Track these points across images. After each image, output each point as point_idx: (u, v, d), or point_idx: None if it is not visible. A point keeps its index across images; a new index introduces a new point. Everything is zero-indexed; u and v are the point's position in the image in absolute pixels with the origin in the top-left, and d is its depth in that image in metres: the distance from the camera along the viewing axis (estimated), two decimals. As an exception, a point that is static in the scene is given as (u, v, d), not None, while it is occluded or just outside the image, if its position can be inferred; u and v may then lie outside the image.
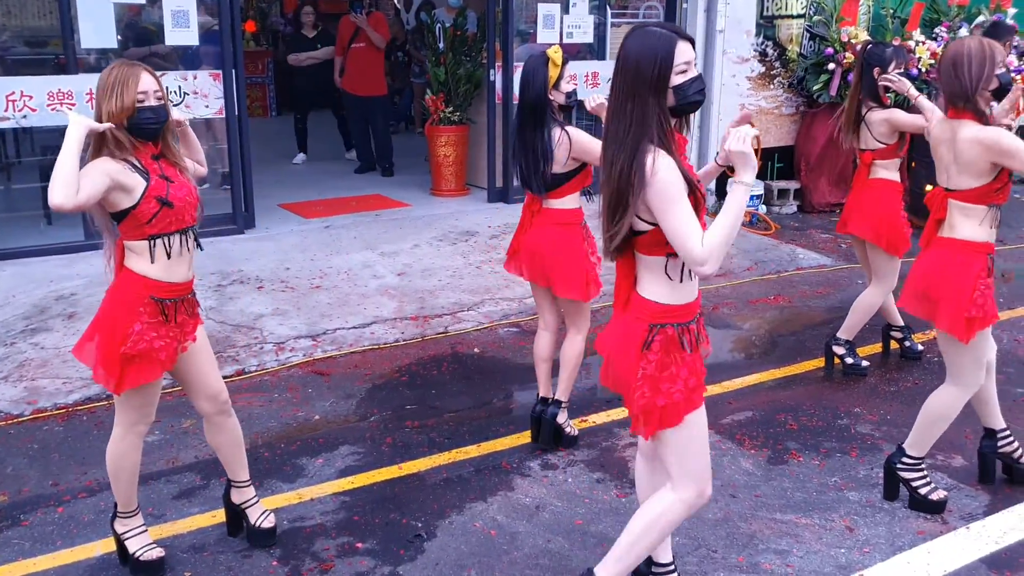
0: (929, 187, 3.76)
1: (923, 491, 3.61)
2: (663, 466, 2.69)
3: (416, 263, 6.54)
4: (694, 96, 2.42)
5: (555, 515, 3.59)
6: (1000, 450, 3.79)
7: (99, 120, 2.86)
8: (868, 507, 3.65)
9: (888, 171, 4.77)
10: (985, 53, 3.35)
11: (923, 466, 3.64)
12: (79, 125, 2.79)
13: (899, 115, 4.65)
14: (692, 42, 2.44)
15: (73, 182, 2.71)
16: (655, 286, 2.51)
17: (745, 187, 2.42)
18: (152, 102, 2.91)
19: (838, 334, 5.00)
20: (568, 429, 4.15)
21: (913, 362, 5.17)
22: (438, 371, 5.01)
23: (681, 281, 2.51)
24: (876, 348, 5.31)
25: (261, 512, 3.35)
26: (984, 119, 3.37)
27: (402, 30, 11.84)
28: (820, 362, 5.15)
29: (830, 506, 3.65)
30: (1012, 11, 9.15)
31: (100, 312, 3.01)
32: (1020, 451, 3.80)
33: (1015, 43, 4.67)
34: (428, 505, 3.65)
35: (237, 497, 3.34)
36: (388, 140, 9.50)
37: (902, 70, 4.73)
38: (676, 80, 2.38)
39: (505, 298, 6.04)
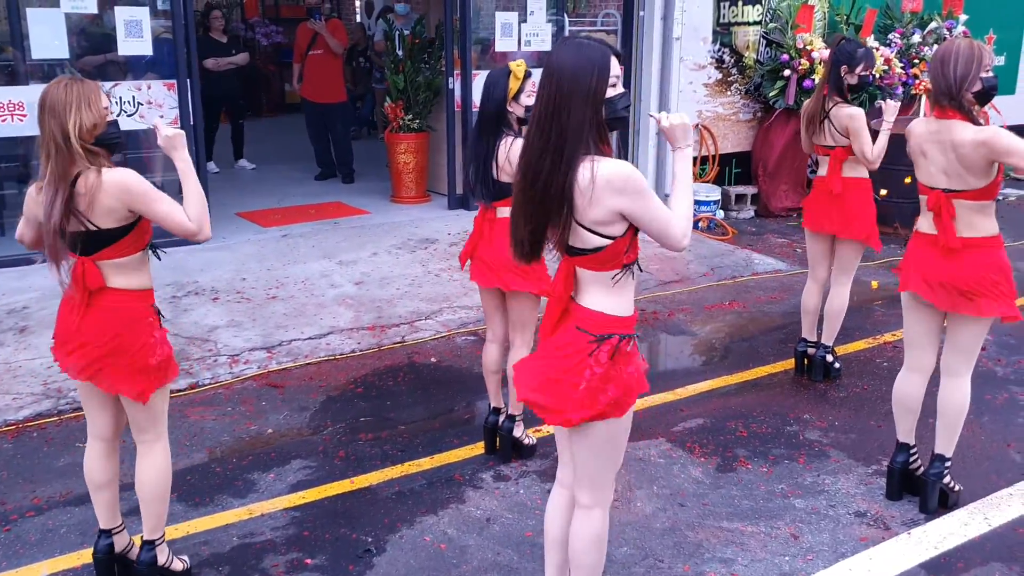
0: (907, 179, 3.83)
1: (957, 488, 3.77)
2: (580, 473, 2.66)
3: (374, 271, 6.54)
4: (622, 111, 2.43)
5: (505, 528, 3.61)
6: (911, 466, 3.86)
7: (66, 135, 2.77)
8: (813, 514, 3.71)
9: (860, 167, 4.78)
10: (973, 54, 3.40)
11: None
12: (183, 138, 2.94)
13: (859, 124, 4.61)
14: (620, 57, 2.46)
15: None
16: (603, 297, 2.48)
17: (686, 152, 2.49)
18: (110, 117, 2.92)
19: (825, 342, 5.02)
20: (526, 440, 4.18)
21: (863, 367, 5.25)
22: (394, 382, 5.02)
23: (623, 292, 2.50)
24: (851, 348, 5.38)
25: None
26: (972, 118, 3.41)
27: (364, 36, 11.82)
28: (773, 367, 5.23)
29: (776, 514, 3.71)
30: (964, 17, 9.32)
31: (112, 345, 2.90)
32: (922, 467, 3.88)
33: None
34: (379, 519, 3.66)
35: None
36: (348, 146, 9.49)
37: (868, 73, 4.78)
38: (608, 93, 2.38)
39: (463, 306, 6.06)
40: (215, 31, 9.68)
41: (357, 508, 3.75)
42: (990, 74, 3.47)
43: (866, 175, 4.82)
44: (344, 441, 4.34)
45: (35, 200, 2.87)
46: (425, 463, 4.13)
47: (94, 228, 2.82)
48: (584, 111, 2.35)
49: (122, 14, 6.24)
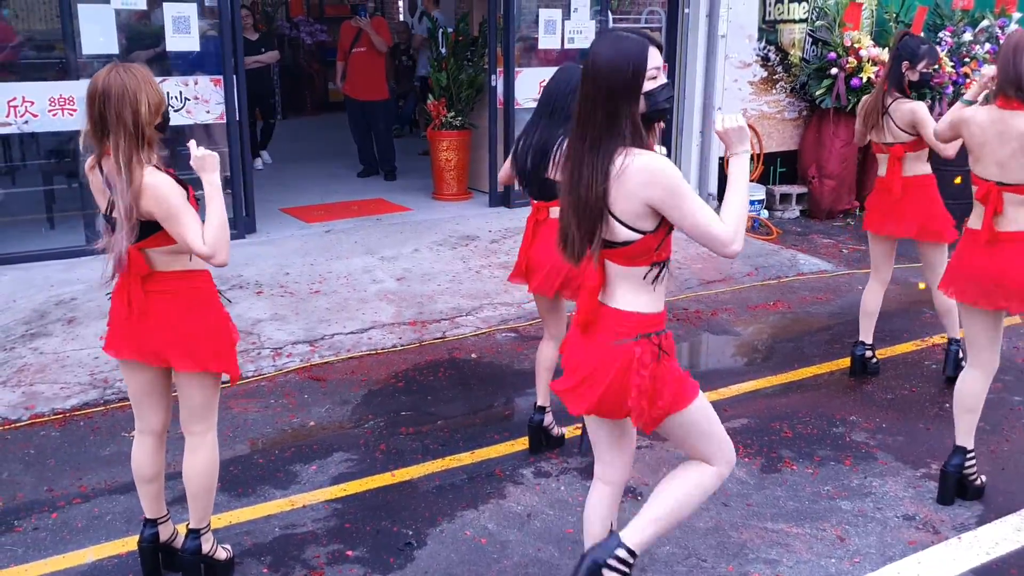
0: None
1: (978, 481, 3.72)
2: (690, 454, 2.69)
3: (416, 268, 6.55)
4: (664, 103, 2.40)
5: (546, 523, 3.59)
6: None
7: (137, 117, 2.77)
8: (860, 516, 3.64)
9: (922, 163, 4.68)
10: None
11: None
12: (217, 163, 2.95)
13: (923, 113, 4.51)
14: (661, 48, 2.42)
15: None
16: (634, 296, 2.45)
17: (743, 157, 2.44)
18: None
19: (951, 335, 4.91)
20: (555, 431, 4.16)
21: (911, 369, 5.14)
22: (434, 377, 5.02)
23: (656, 289, 2.48)
24: (899, 349, 5.28)
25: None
26: None
27: (408, 34, 11.87)
28: (818, 368, 5.15)
29: (822, 515, 3.64)
30: (1017, 15, 9.13)
31: (189, 325, 2.92)
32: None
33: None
34: (420, 513, 3.65)
35: None
36: (391, 144, 9.53)
37: (930, 70, 4.68)
38: (647, 86, 2.35)
39: (504, 303, 6.05)
40: (246, 29, 9.77)
41: (398, 501, 3.75)
42: None
43: (928, 171, 4.71)
44: (385, 435, 4.34)
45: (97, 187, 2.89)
46: (465, 458, 4.12)
47: (140, 218, 2.83)
48: (621, 104, 2.33)
49: (170, 10, 6.31)
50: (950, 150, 4.36)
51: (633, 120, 2.35)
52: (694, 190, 2.38)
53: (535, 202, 3.92)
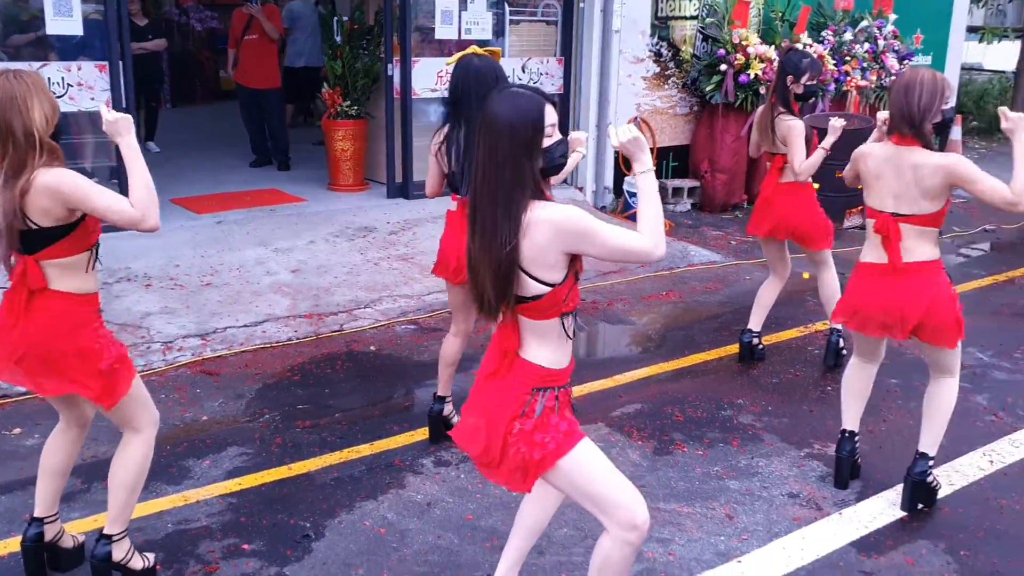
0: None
1: (934, 485, 3.76)
2: (583, 506, 2.59)
3: (311, 260, 6.47)
4: (559, 159, 2.44)
5: (446, 511, 3.61)
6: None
7: (29, 129, 2.68)
8: (747, 495, 3.78)
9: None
10: (937, 86, 3.45)
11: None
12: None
13: (796, 135, 4.73)
14: (555, 104, 2.46)
15: None
16: (542, 350, 2.47)
17: (648, 175, 2.48)
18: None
19: (833, 325, 5.13)
20: (455, 420, 4.18)
21: (795, 355, 5.36)
22: (332, 370, 4.98)
23: (563, 344, 2.49)
24: (783, 336, 5.48)
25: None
26: (930, 146, 3.46)
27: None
28: (708, 355, 5.32)
29: (711, 495, 3.77)
30: (893, 16, 9.58)
31: (56, 351, 2.79)
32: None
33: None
34: (317, 505, 3.63)
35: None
36: (284, 133, 9.36)
37: (814, 82, 4.88)
38: (545, 142, 2.39)
39: (403, 295, 6.03)
40: (134, 14, 9.44)
41: (295, 494, 3.71)
42: (948, 106, 3.52)
43: (807, 181, 4.94)
44: (281, 428, 4.28)
45: None
46: (364, 449, 4.10)
47: (35, 227, 2.72)
48: (524, 162, 2.36)
49: (50, -8, 6.06)
50: (801, 177, 4.81)
51: (535, 176, 2.39)
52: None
53: (459, 199, 3.90)
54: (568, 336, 2.49)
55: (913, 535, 3.54)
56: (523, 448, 2.43)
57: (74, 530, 3.30)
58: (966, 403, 4.72)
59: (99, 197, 2.71)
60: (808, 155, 4.76)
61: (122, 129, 2.85)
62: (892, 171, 3.52)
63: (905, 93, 3.47)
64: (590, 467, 2.50)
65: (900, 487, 3.79)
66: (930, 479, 3.72)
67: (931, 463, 3.70)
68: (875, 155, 3.60)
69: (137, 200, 2.74)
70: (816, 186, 5.12)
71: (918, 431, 3.75)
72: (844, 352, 5.14)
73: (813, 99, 4.89)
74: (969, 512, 3.71)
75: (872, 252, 3.64)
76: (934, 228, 3.54)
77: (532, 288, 2.40)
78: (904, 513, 3.67)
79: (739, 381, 4.98)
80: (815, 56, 4.84)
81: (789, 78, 4.81)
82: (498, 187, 2.36)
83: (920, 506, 3.70)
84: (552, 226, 2.34)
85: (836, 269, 5.12)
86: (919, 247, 3.54)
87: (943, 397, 3.69)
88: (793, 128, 4.74)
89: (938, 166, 3.41)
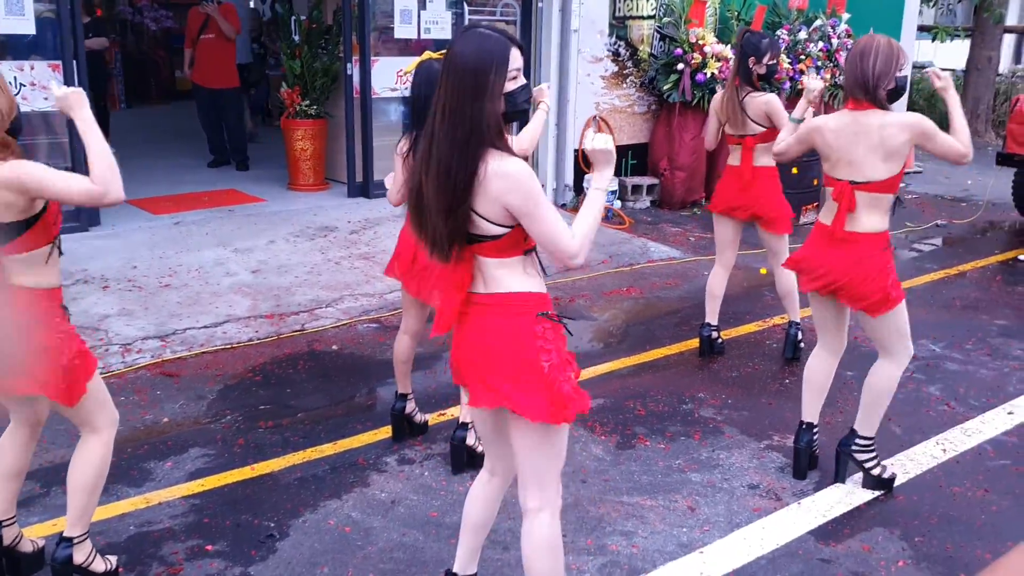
0: (795, 170, 3.92)
1: (875, 471, 3.80)
2: (526, 474, 2.60)
3: (272, 260, 6.44)
4: (523, 104, 2.40)
5: (410, 509, 3.62)
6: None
7: None
8: (709, 487, 3.84)
9: (769, 156, 4.88)
10: (892, 51, 3.49)
11: (874, 447, 3.81)
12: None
13: (776, 104, 4.79)
14: (522, 49, 2.43)
15: None
16: (520, 279, 2.45)
17: (603, 192, 2.48)
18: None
19: (791, 318, 5.19)
20: (418, 417, 4.19)
21: (754, 349, 5.44)
22: (294, 370, 4.96)
23: (533, 274, 2.49)
24: (742, 330, 5.56)
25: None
26: (885, 109, 3.51)
27: (258, 21, 11.58)
28: (668, 350, 5.38)
29: (674, 488, 3.82)
30: (846, 16, 9.74)
31: (18, 348, 2.76)
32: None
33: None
34: (281, 505, 3.62)
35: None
36: (242, 133, 9.31)
37: (775, 62, 4.94)
38: (508, 86, 2.36)
39: (365, 294, 6.02)
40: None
41: (258, 495, 3.70)
42: (903, 74, 3.56)
43: (773, 163, 4.99)
44: (243, 429, 4.26)
45: None
46: (328, 449, 4.10)
47: None
48: (485, 104, 2.32)
49: (1, -10, 5.97)
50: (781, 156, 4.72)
51: (496, 119, 2.35)
52: (552, 181, 2.43)
53: None
54: (538, 270, 2.49)
55: (869, 523, 3.61)
56: (558, 382, 2.42)
57: (34, 535, 3.26)
58: (919, 393, 4.83)
59: (57, 179, 2.66)
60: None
61: (74, 103, 2.78)
62: (849, 139, 3.56)
63: (860, 59, 3.52)
64: (564, 435, 2.58)
65: (858, 476, 3.87)
66: (871, 465, 3.81)
67: (866, 444, 3.80)
68: (829, 127, 3.64)
69: (98, 175, 2.67)
70: (794, 170, 5.18)
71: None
72: (802, 345, 5.23)
73: (770, 83, 4.96)
74: (923, 499, 3.79)
75: (828, 215, 3.71)
76: (888, 195, 3.59)
77: (490, 229, 2.39)
78: (861, 502, 3.75)
79: (700, 375, 5.04)
80: (774, 36, 4.92)
81: (751, 60, 4.87)
82: (457, 128, 2.32)
83: (877, 494, 3.79)
84: (506, 181, 2.31)
85: (736, 272, 5.19)
86: (868, 218, 3.59)
87: (877, 381, 3.75)
88: (771, 101, 4.81)
89: (904, 123, 3.49)
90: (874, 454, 3.84)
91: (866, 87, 3.51)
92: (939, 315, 6.11)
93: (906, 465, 4.05)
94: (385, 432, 4.21)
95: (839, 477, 3.88)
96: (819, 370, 3.91)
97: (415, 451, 4.08)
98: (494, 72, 2.32)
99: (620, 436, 4.27)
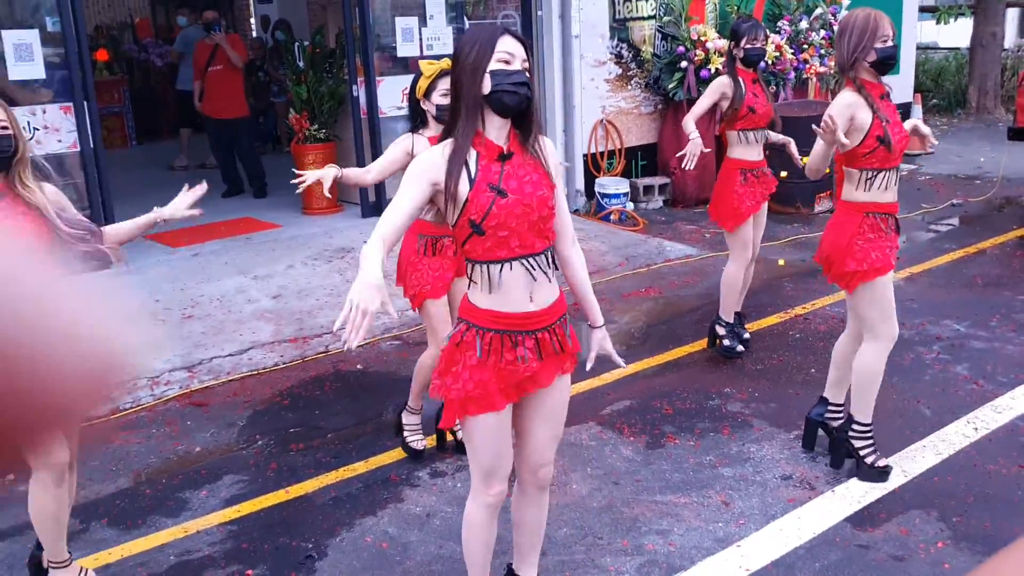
0: (784, 174, 3.99)
1: (869, 459, 3.76)
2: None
3: (291, 284, 6.48)
4: (507, 86, 2.35)
5: (446, 521, 3.64)
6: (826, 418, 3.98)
7: None
8: (741, 481, 3.83)
9: (732, 147, 4.99)
10: (867, 24, 3.46)
11: (871, 434, 3.77)
12: None
13: (708, 88, 4.98)
14: (524, 43, 2.44)
15: None
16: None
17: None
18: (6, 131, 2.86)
19: (720, 313, 5.20)
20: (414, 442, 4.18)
21: (777, 340, 5.43)
22: (321, 391, 4.99)
23: (478, 285, 2.57)
24: (765, 323, 5.54)
25: None
26: (857, 89, 3.49)
27: (263, 49, 11.68)
28: (691, 347, 5.38)
29: (706, 484, 3.82)
30: (846, 2, 9.72)
31: None
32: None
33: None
34: (317, 525, 3.64)
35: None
36: (257, 161, 9.37)
37: (754, 45, 4.93)
38: (494, 66, 2.36)
39: (385, 312, 6.03)
40: None
41: (294, 517, 3.72)
42: (887, 44, 3.48)
43: (735, 155, 5.00)
44: (275, 453, 4.30)
45: None
46: (360, 467, 4.12)
47: None
48: (468, 88, 2.38)
49: (10, 37, 6.06)
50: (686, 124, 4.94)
51: (478, 103, 2.39)
52: (562, 187, 2.53)
53: None
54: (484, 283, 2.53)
55: (906, 506, 3.60)
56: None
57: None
58: (947, 373, 4.81)
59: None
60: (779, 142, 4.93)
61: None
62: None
63: (839, 38, 3.58)
64: (474, 439, 2.73)
65: (890, 460, 3.86)
66: (867, 452, 3.77)
67: (863, 431, 3.76)
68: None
69: (111, 235, 2.78)
70: (784, 174, 5.20)
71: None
72: (724, 340, 5.14)
73: (760, 62, 5.01)
74: (958, 479, 3.78)
75: None
76: (851, 168, 3.61)
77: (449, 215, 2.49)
78: (896, 486, 3.73)
79: (724, 370, 5.04)
80: (757, 21, 4.96)
81: (731, 44, 4.96)
82: (452, 111, 2.47)
83: (912, 476, 3.77)
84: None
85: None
86: (845, 188, 3.67)
87: (861, 364, 3.71)
88: (712, 82, 4.96)
89: (833, 103, 3.56)
90: (871, 441, 3.79)
91: (843, 66, 3.57)
92: (961, 294, 6.07)
93: (938, 446, 4.04)
94: (415, 447, 4.24)
95: (835, 463, 3.86)
96: (841, 351, 3.92)
97: (447, 464, 4.10)
98: (475, 53, 2.38)
99: (649, 436, 4.27)
